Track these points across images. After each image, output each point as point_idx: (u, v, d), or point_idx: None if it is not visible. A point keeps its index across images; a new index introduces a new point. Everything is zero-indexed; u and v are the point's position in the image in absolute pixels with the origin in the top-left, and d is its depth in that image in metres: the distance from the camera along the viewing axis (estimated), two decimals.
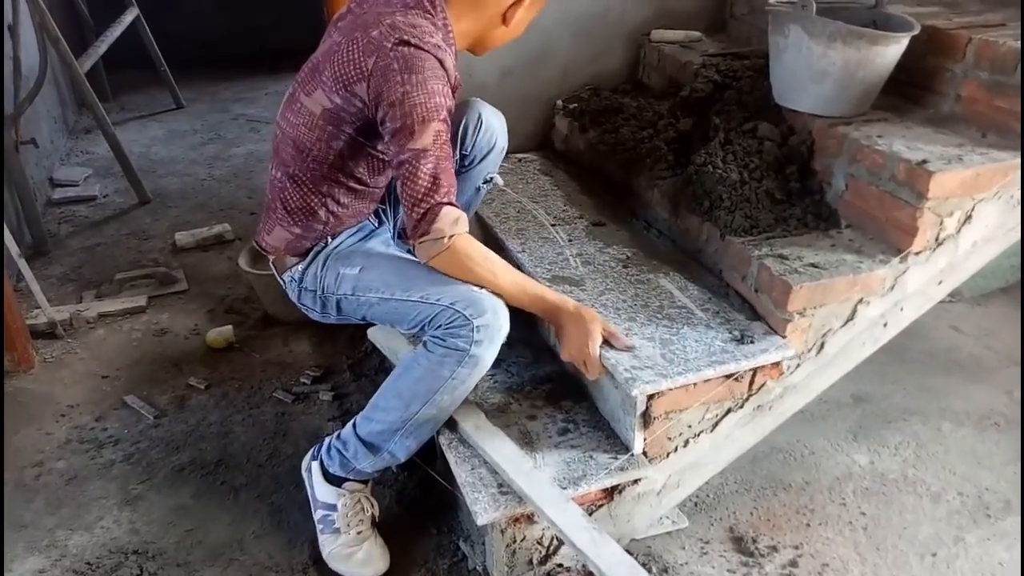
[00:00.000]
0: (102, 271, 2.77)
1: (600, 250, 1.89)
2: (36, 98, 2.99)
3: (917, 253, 1.58)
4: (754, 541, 1.72)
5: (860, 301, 1.58)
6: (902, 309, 1.66)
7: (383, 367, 2.23)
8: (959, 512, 1.82)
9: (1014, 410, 2.16)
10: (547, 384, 1.75)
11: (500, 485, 1.47)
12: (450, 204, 1.40)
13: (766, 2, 1.82)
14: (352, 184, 1.55)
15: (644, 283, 1.75)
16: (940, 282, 1.67)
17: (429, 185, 1.37)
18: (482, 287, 1.44)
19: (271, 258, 1.65)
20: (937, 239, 1.58)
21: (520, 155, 2.47)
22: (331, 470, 1.62)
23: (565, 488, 1.46)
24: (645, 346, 1.53)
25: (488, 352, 1.45)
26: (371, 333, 2.02)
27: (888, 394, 2.22)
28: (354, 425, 1.58)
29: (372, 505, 1.65)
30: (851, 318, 1.60)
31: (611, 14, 2.43)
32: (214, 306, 2.56)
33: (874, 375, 2.26)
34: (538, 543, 1.55)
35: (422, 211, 1.38)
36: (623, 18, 2.44)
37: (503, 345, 1.47)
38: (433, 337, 1.45)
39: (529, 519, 1.50)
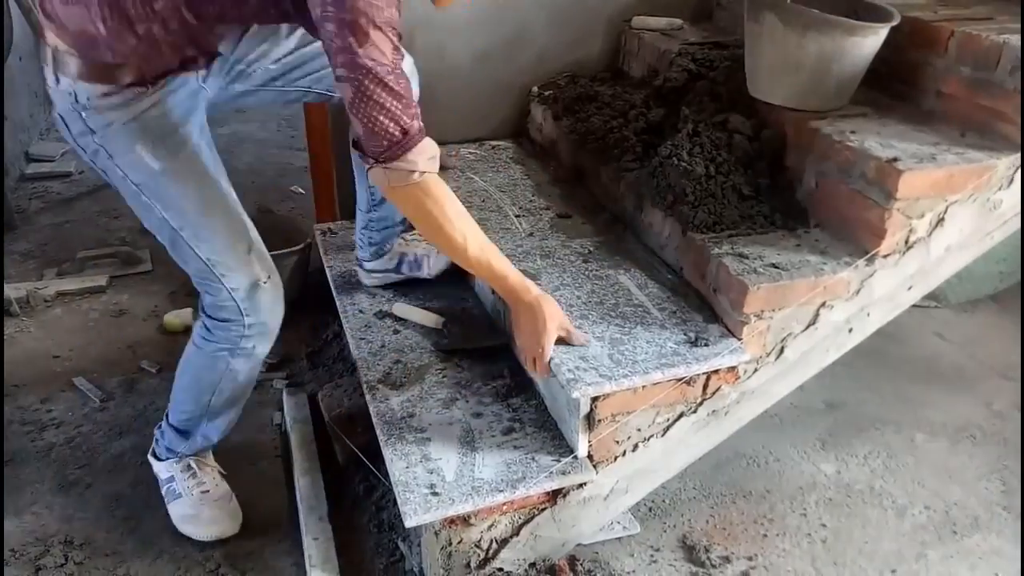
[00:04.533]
0: (67, 249, 2.71)
1: (562, 243, 1.82)
2: (13, 71, 2.91)
3: (885, 256, 1.50)
4: (707, 550, 1.65)
5: (823, 305, 1.50)
6: (868, 315, 1.58)
7: (342, 356, 2.17)
8: (924, 527, 1.74)
9: (992, 423, 2.08)
10: (498, 380, 1.67)
11: (432, 486, 1.40)
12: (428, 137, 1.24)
13: None
14: (188, 16, 1.20)
15: (602, 279, 1.67)
16: (910, 288, 1.59)
17: (401, 106, 1.17)
18: (438, 243, 1.36)
19: (47, 32, 1.19)
20: (907, 242, 1.50)
21: (493, 142, 2.39)
22: (159, 453, 1.68)
23: (503, 490, 1.39)
24: (594, 345, 1.45)
25: (261, 346, 1.47)
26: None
27: (862, 401, 2.15)
28: (167, 414, 1.64)
29: (204, 470, 1.66)
30: (813, 322, 1.52)
31: None
32: (176, 288, 2.50)
33: (850, 380, 2.18)
34: (476, 546, 1.48)
35: (396, 134, 1.19)
36: (604, 3, 2.35)
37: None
38: (206, 321, 1.44)
39: (465, 521, 1.44)
